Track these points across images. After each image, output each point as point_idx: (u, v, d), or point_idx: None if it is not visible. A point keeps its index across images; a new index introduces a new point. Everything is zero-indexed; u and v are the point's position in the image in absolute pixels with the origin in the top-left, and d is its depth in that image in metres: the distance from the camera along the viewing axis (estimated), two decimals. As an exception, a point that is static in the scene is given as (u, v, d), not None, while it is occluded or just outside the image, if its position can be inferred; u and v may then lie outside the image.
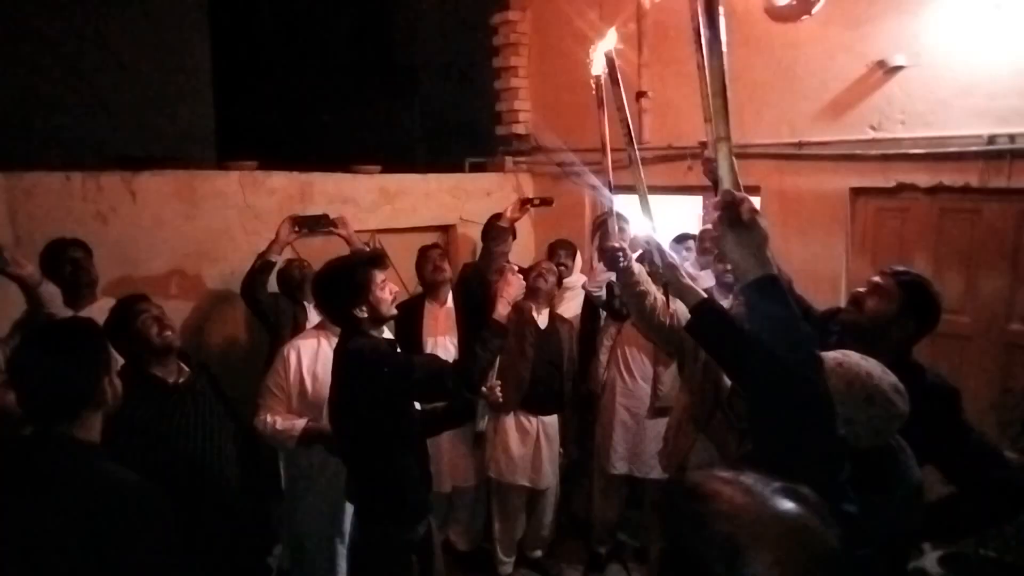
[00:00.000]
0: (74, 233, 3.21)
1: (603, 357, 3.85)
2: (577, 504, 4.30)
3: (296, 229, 3.60)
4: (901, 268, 2.19)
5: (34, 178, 3.39)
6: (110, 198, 3.61)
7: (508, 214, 3.76)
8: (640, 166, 2.36)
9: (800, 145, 3.94)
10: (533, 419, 3.74)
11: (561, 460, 3.92)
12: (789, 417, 1.26)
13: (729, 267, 3.23)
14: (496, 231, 3.78)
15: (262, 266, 3.53)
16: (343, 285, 2.45)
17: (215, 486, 2.40)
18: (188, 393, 2.44)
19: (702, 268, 3.44)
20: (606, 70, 2.39)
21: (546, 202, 4.32)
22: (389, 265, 3.10)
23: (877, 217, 3.83)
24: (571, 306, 4.02)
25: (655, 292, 2.85)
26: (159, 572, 1.62)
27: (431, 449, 3.28)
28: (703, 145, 2.03)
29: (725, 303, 2.78)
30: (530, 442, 3.73)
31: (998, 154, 3.28)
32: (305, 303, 3.70)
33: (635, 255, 2.83)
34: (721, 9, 1.36)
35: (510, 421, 3.72)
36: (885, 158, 3.64)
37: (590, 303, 4.03)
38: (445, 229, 5.20)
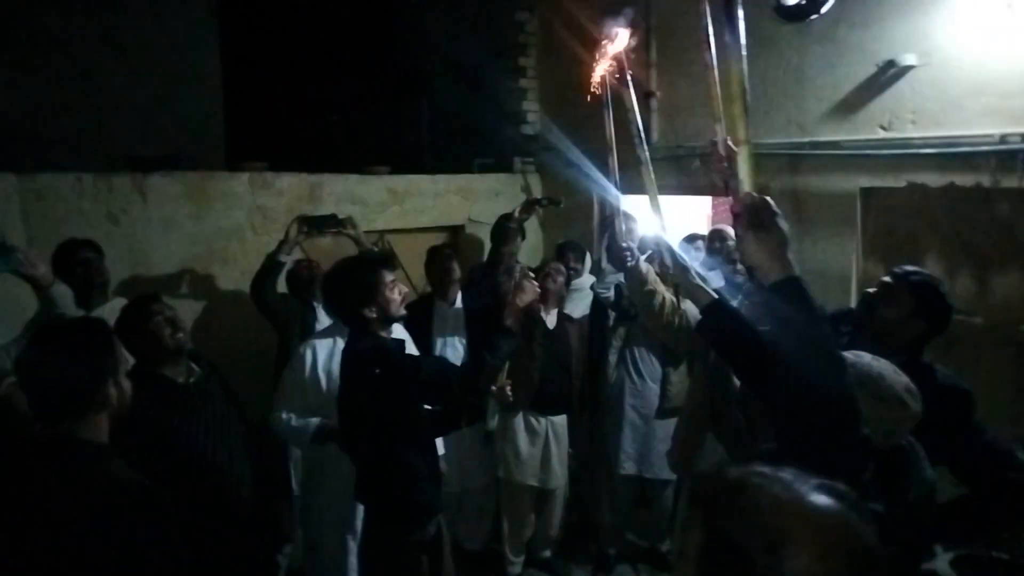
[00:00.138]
0: (85, 234, 3.24)
1: (612, 358, 3.85)
2: (586, 504, 4.29)
3: (305, 230, 3.61)
4: (911, 269, 2.18)
5: (45, 180, 3.41)
6: (121, 199, 3.63)
7: (516, 214, 3.76)
8: (650, 166, 2.35)
9: (810, 145, 3.92)
10: (542, 419, 3.74)
11: (570, 460, 3.92)
12: (814, 417, 1.26)
13: (739, 267, 3.24)
14: (505, 232, 3.78)
15: (271, 266, 3.54)
16: (352, 285, 2.46)
17: (224, 485, 2.40)
18: (198, 393, 2.44)
19: (711, 269, 3.43)
20: (613, 70, 2.39)
21: (554, 202, 4.32)
22: (398, 265, 3.11)
23: (887, 217, 3.81)
24: (580, 307, 4.02)
25: (663, 291, 2.85)
26: (162, 573, 1.62)
27: (442, 449, 3.30)
28: (713, 145, 2.02)
29: (734, 303, 2.77)
30: (539, 442, 3.73)
31: (1010, 154, 3.25)
32: (314, 303, 3.72)
33: (643, 256, 2.82)
34: (740, 13, 1.37)
35: (519, 421, 3.72)
36: (896, 158, 3.62)
37: (599, 304, 4.03)
38: (454, 230, 5.21)
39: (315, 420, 2.96)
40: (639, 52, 4.52)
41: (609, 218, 2.77)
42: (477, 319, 3.72)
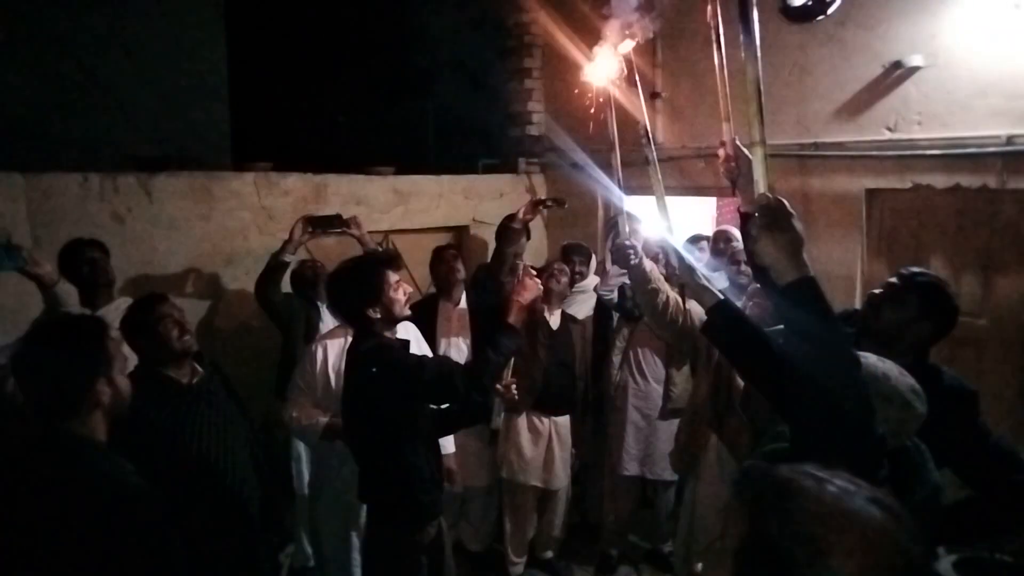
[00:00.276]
0: (91, 233, 3.24)
1: (615, 358, 3.85)
2: (588, 505, 4.29)
3: (310, 229, 3.62)
4: (918, 270, 2.17)
5: (52, 179, 3.42)
6: (126, 199, 3.64)
7: (521, 215, 3.76)
8: (657, 167, 2.35)
9: (816, 146, 3.92)
10: (545, 420, 3.73)
11: (573, 461, 3.91)
12: (830, 417, 1.27)
13: (743, 268, 3.23)
14: (509, 232, 3.79)
15: (276, 266, 3.55)
16: (357, 285, 2.46)
17: (227, 486, 2.40)
18: (202, 394, 2.44)
19: (714, 270, 3.42)
20: (620, 70, 2.39)
21: (559, 203, 4.32)
22: (403, 266, 3.11)
23: (893, 218, 3.80)
24: (584, 308, 4.02)
25: (667, 290, 2.85)
26: (153, 573, 1.63)
27: (451, 447, 3.31)
28: (721, 145, 2.03)
29: (738, 304, 2.77)
30: (542, 443, 3.73)
31: (1017, 155, 3.24)
32: (319, 303, 3.72)
33: (647, 255, 2.83)
34: (756, 15, 1.38)
35: (522, 422, 3.72)
36: (902, 159, 3.61)
37: (603, 304, 4.03)
38: (458, 230, 5.22)
39: (324, 418, 2.97)
40: (645, 53, 4.52)
41: (613, 219, 2.77)
42: (481, 320, 3.72)
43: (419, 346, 3.22)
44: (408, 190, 4.79)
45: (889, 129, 3.67)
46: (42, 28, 5.01)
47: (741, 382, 2.76)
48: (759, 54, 1.41)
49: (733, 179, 2.06)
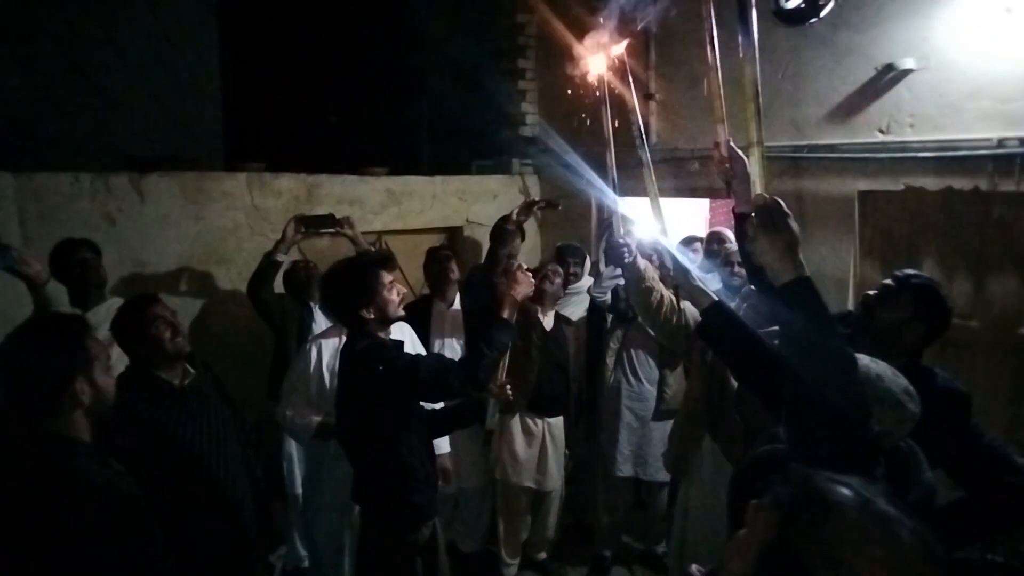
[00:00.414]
0: (82, 233, 3.22)
1: (609, 360, 3.85)
2: (582, 506, 4.29)
3: (302, 229, 3.61)
4: (912, 272, 2.18)
5: (43, 179, 3.40)
6: (118, 199, 3.62)
7: (514, 216, 3.76)
8: (651, 169, 2.36)
9: (809, 148, 3.93)
10: (539, 421, 3.73)
11: (566, 462, 3.91)
12: (826, 416, 1.27)
13: (737, 270, 3.24)
14: (503, 233, 3.78)
15: (268, 265, 3.54)
16: (351, 286, 2.45)
17: (220, 487, 2.39)
18: (194, 395, 2.43)
19: (707, 271, 3.43)
20: (614, 71, 2.40)
21: (552, 205, 4.32)
22: (397, 266, 3.10)
23: (885, 220, 3.82)
24: (577, 309, 4.02)
25: (661, 289, 2.85)
26: (132, 572, 1.62)
27: (446, 447, 3.30)
28: (715, 146, 2.03)
29: (732, 306, 2.77)
30: (536, 444, 3.73)
31: (1008, 158, 3.27)
32: (311, 304, 3.71)
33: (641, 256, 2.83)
34: (754, 16, 1.38)
35: (516, 423, 3.72)
36: (894, 161, 3.63)
37: (596, 306, 4.03)
38: (452, 231, 5.21)
39: (317, 417, 2.97)
40: (639, 54, 4.53)
41: (607, 220, 2.77)
42: (475, 320, 3.72)
43: (413, 347, 3.22)
44: (401, 191, 4.79)
45: (881, 131, 3.69)
46: (34, 28, 4.97)
47: (735, 383, 2.76)
48: (757, 55, 1.41)
49: (727, 180, 2.06)
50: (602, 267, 4.13)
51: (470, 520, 4.04)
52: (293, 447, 3.62)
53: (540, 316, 3.74)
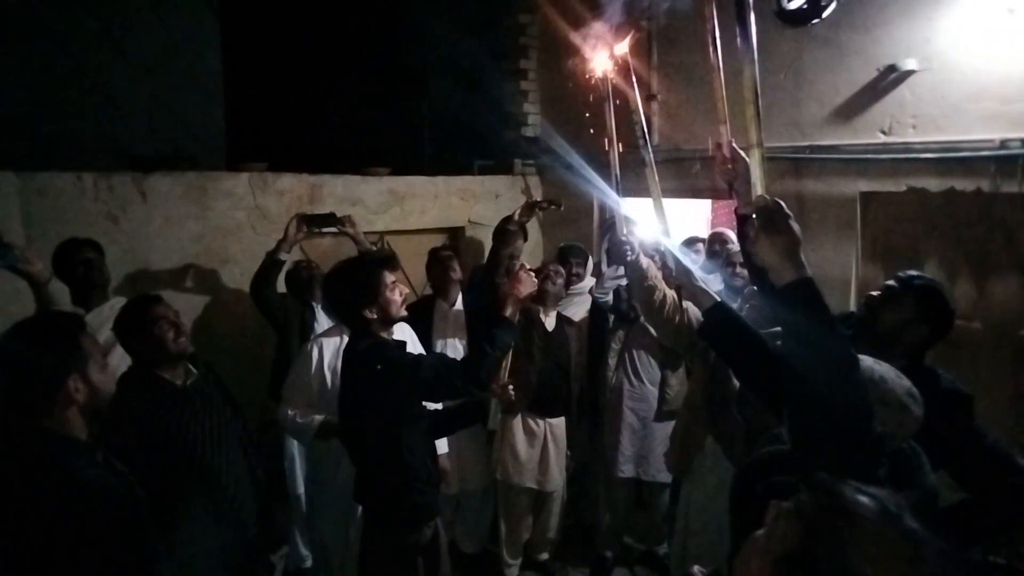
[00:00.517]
0: (85, 233, 3.23)
1: (611, 360, 3.84)
2: (584, 507, 4.28)
3: (304, 227, 3.61)
4: (915, 273, 2.18)
5: (46, 179, 3.40)
6: (121, 198, 3.62)
7: (517, 217, 3.76)
8: (654, 168, 2.36)
9: (811, 149, 3.93)
10: (540, 421, 3.73)
11: (568, 463, 3.91)
12: (828, 417, 1.27)
13: (739, 271, 3.24)
14: (505, 234, 3.78)
15: (271, 264, 3.55)
16: (353, 286, 2.45)
17: (221, 487, 2.39)
18: (196, 395, 2.43)
19: (709, 272, 3.43)
20: (617, 70, 2.40)
21: (555, 205, 4.32)
22: (399, 266, 3.11)
23: (887, 221, 3.81)
24: (579, 310, 4.02)
25: (664, 287, 2.86)
26: (125, 569, 1.63)
27: (445, 447, 3.30)
28: (718, 147, 2.03)
29: (734, 307, 2.77)
30: (537, 444, 3.72)
31: (1010, 159, 3.26)
32: (313, 304, 3.71)
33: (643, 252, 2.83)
34: (753, 19, 1.38)
35: (517, 423, 3.72)
36: (896, 162, 3.63)
37: (598, 306, 4.03)
38: (454, 231, 5.21)
39: (319, 417, 2.97)
40: (641, 55, 4.53)
41: (609, 220, 2.78)
42: (478, 320, 3.72)
43: (415, 347, 3.22)
44: (404, 191, 4.79)
45: (884, 132, 3.69)
46: (36, 26, 4.98)
47: (736, 384, 2.76)
48: (756, 57, 1.42)
49: (730, 181, 2.06)
50: (604, 267, 4.13)
51: (472, 520, 4.04)
52: (295, 447, 3.61)
53: (542, 317, 3.74)
